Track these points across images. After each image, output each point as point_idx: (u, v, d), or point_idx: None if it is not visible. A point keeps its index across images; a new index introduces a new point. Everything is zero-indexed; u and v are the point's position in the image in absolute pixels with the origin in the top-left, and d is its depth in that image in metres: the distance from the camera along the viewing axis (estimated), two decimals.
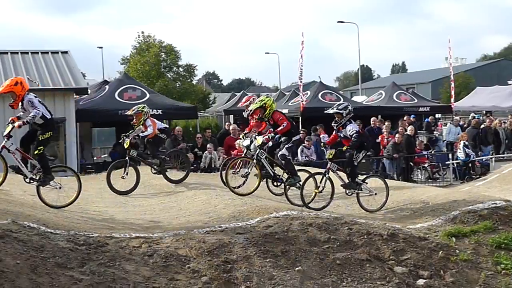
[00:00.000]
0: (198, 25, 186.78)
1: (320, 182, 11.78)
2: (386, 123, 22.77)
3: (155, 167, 13.36)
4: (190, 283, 7.77)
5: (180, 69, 50.04)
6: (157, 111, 21.68)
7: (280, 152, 11.88)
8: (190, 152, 19.98)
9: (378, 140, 22.16)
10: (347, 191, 12.04)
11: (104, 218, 10.12)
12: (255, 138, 11.96)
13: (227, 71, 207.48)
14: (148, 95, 22.82)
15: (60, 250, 7.83)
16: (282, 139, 11.93)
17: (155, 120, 13.77)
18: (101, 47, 78.16)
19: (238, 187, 11.56)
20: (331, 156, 11.87)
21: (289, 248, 8.64)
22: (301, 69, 26.15)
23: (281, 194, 12.22)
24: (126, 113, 13.83)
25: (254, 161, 11.71)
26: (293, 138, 12.01)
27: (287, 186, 11.94)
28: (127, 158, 13.09)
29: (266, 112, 11.91)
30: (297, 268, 8.29)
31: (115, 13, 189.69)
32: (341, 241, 8.96)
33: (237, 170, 11.92)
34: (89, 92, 23.73)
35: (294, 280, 8.08)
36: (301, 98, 25.95)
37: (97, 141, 27.75)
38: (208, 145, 19.53)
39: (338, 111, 11.79)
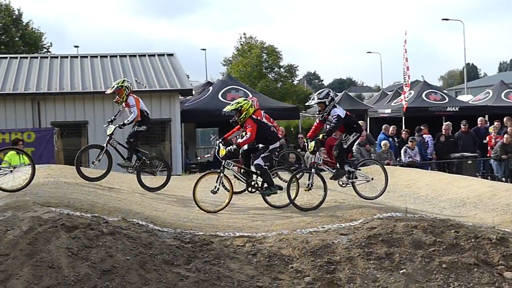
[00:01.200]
0: (299, 26, 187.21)
1: (308, 180, 10.91)
2: (495, 123, 21.98)
3: (129, 169, 12.29)
4: (293, 283, 7.81)
5: (282, 69, 50.36)
6: None
7: (255, 162, 10.99)
8: (292, 152, 20.02)
9: (485, 141, 21.49)
10: (340, 183, 11.33)
11: (209, 216, 10.29)
12: (218, 147, 11.05)
13: (328, 71, 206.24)
14: (250, 96, 23.07)
15: (167, 247, 8.04)
16: (260, 146, 11.10)
17: (139, 98, 12.34)
18: (204, 49, 79.67)
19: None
20: (312, 149, 10.96)
21: (393, 250, 8.51)
22: (405, 68, 25.63)
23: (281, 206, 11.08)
24: (106, 92, 12.67)
25: (221, 174, 10.83)
26: (271, 147, 11.07)
27: (263, 196, 11.12)
28: (105, 145, 12.00)
29: (242, 116, 11.00)
30: (401, 271, 8.16)
31: (217, 15, 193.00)
32: (447, 244, 8.73)
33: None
34: (193, 93, 24.27)
35: (399, 283, 7.96)
36: (404, 97, 25.47)
37: (201, 141, 28.33)
38: None
39: (320, 100, 11.00)
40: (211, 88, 25.19)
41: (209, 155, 24.98)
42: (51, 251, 7.53)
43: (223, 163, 10.83)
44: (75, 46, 53.10)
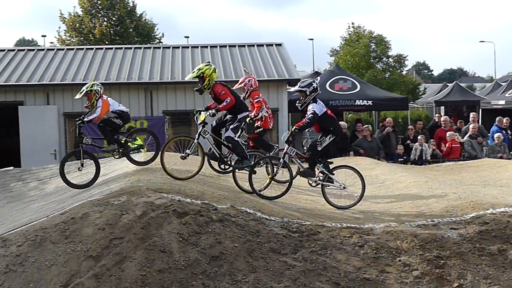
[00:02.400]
0: (408, 14, 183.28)
1: (275, 169, 10.39)
2: None
3: (115, 153, 11.68)
4: (401, 276, 7.71)
5: (390, 59, 49.56)
6: (367, 102, 21.69)
7: (226, 134, 10.47)
8: (401, 143, 19.73)
9: None
10: (310, 182, 10.57)
11: (316, 206, 10.31)
12: (199, 114, 10.39)
13: (438, 61, 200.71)
14: (358, 86, 22.88)
15: (275, 236, 8.13)
16: (228, 117, 10.56)
17: (109, 101, 11.65)
18: (311, 39, 79.51)
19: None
20: (286, 139, 10.36)
21: (506, 247, 8.23)
22: None
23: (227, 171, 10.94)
24: (75, 97, 12.01)
25: (195, 141, 10.30)
26: (239, 116, 10.47)
27: (235, 170, 10.56)
28: (80, 147, 11.50)
29: (205, 83, 10.30)
30: None
31: (325, 5, 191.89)
32: None
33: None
34: None
35: None
36: None
37: (307, 131, 28.36)
38: (419, 137, 19.17)
39: (300, 88, 10.29)
40: (319, 78, 25.06)
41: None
42: (163, 235, 7.79)
43: (199, 130, 10.37)
44: (185, 37, 54.44)
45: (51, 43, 49.08)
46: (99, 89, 11.52)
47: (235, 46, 24.10)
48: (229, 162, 10.73)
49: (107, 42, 42.27)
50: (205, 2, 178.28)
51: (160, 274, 7.37)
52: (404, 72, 52.87)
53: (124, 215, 8.10)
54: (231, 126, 10.44)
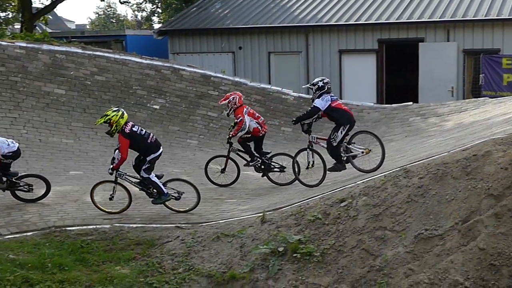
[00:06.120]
0: None
1: (308, 159, 11.26)
2: None
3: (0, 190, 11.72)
4: None
5: None
6: None
7: (140, 174, 10.76)
8: None
9: None
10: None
11: None
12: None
13: None
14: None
15: None
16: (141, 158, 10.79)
17: None
18: None
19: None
20: (305, 130, 11.24)
21: None
22: None
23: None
24: None
25: (114, 184, 10.79)
26: (148, 158, 10.64)
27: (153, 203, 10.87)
28: None
29: (113, 128, 10.49)
30: None
31: None
32: None
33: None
34: None
35: None
36: None
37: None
38: None
39: (309, 86, 11.33)
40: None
41: None
42: None
43: (115, 174, 10.78)
44: None
45: None
46: None
47: None
48: (153, 193, 10.88)
49: None
50: None
51: None
52: None
53: None
54: (143, 167, 10.78)
